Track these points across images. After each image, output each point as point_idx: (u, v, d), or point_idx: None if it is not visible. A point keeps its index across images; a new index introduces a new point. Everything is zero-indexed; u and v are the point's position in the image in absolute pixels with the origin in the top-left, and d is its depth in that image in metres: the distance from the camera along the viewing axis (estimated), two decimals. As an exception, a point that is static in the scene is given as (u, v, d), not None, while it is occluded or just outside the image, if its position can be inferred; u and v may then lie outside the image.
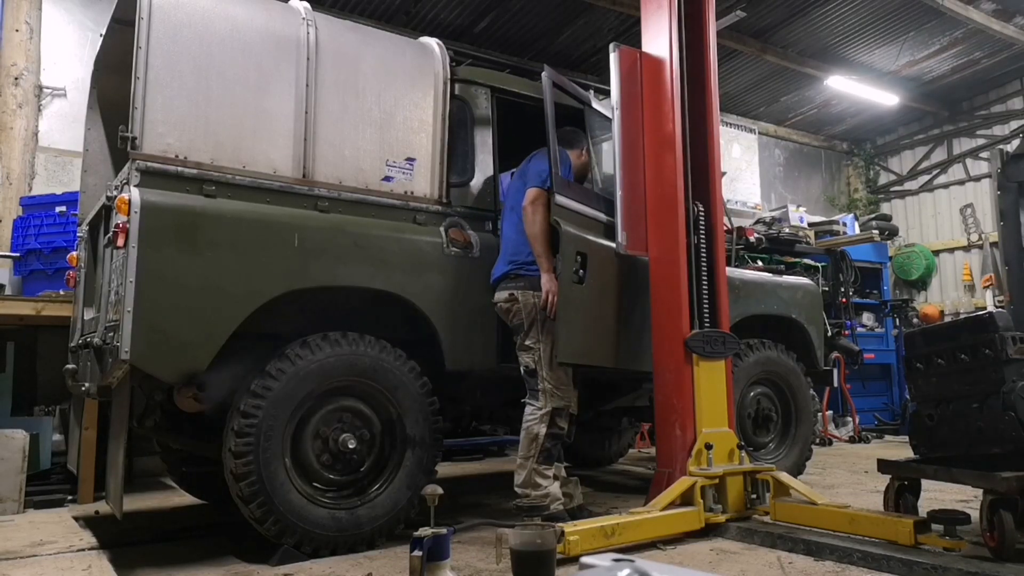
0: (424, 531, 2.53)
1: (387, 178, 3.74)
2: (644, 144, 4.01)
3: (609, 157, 4.19)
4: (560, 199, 3.69)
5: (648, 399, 4.56)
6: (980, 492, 3.00)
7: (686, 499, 3.53)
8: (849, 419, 8.53)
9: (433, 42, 4.10)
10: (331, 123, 3.59)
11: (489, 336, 3.92)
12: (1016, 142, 9.94)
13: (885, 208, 12.26)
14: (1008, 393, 3.14)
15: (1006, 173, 4.95)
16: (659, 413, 3.89)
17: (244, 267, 3.22)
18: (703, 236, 3.97)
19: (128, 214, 3.00)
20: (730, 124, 10.70)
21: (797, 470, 4.91)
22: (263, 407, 3.17)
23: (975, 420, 3.28)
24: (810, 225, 9.28)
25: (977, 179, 11.24)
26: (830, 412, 8.53)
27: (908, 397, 7.88)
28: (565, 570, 2.81)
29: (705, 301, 3.90)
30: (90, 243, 4.00)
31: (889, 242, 10.84)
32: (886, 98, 10.30)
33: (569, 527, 3.11)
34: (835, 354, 7.50)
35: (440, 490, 2.73)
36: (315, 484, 3.36)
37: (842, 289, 8.85)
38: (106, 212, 3.56)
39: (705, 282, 3.91)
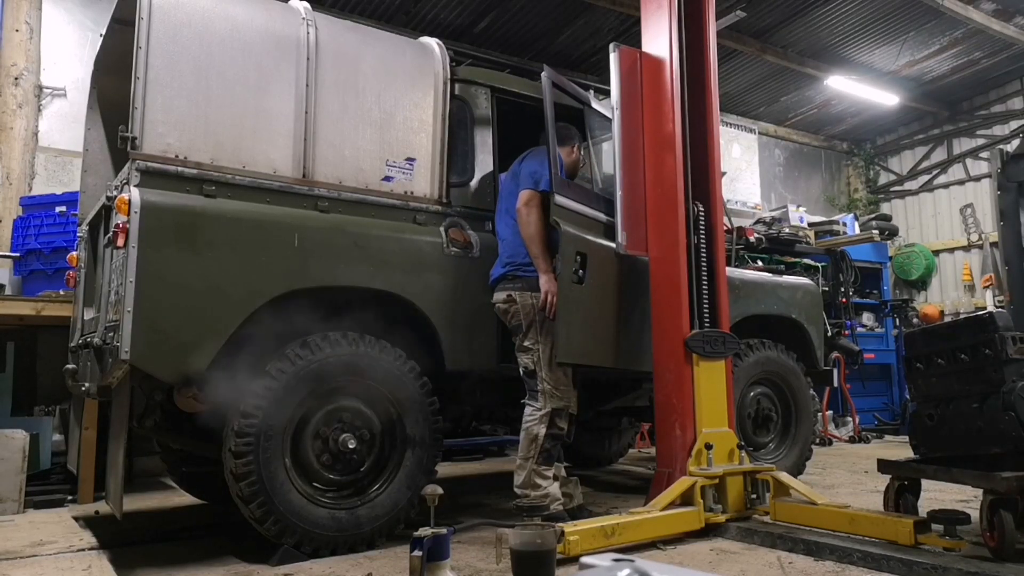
0: (424, 531, 2.53)
1: (387, 178, 3.74)
2: (644, 144, 4.01)
3: (609, 157, 4.19)
4: (560, 199, 3.69)
5: (648, 399, 4.55)
6: (980, 492, 2.99)
7: (686, 499, 3.53)
8: (849, 419, 8.53)
9: (433, 42, 4.10)
10: (331, 123, 3.59)
11: (489, 336, 3.93)
12: (1016, 142, 9.95)
13: (885, 208, 12.25)
14: (1008, 393, 3.15)
15: (1006, 173, 4.96)
16: (659, 413, 3.89)
17: (244, 267, 3.22)
18: (703, 236, 3.97)
19: (128, 214, 3.00)
20: (730, 124, 10.69)
21: (797, 470, 4.91)
22: (263, 407, 3.17)
23: (975, 420, 3.28)
24: (810, 225, 9.29)
25: (977, 179, 11.24)
26: (830, 412, 8.52)
27: (908, 397, 7.89)
28: (565, 570, 2.81)
29: (705, 301, 3.90)
30: (90, 243, 3.99)
31: (889, 242, 10.83)
32: (886, 98, 10.30)
33: (569, 527, 3.11)
34: (835, 354, 7.51)
35: (440, 490, 2.72)
36: (315, 484, 3.36)
37: (842, 289, 8.85)
38: (106, 212, 3.56)
39: (705, 282, 3.91)
